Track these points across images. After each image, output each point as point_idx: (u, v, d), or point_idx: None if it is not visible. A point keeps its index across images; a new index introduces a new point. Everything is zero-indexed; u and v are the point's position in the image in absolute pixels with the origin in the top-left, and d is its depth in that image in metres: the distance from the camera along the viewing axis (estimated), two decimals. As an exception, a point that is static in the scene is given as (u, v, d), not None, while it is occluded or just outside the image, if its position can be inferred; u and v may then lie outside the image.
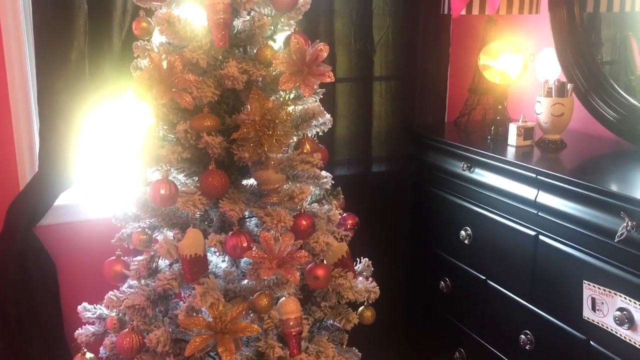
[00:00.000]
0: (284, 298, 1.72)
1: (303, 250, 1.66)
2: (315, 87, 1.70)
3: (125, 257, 1.89)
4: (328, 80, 1.67)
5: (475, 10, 2.46)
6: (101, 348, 1.91)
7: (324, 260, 1.83)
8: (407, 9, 2.74)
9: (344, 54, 2.70)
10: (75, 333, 1.90)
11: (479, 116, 2.76)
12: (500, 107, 2.57)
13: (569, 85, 2.29)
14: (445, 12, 2.60)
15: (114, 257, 1.89)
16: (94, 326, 1.90)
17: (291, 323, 1.70)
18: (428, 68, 2.85)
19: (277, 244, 1.64)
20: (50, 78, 2.21)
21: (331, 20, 2.60)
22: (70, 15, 2.17)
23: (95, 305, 1.93)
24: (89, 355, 1.88)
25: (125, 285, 1.85)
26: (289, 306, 1.70)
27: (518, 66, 2.50)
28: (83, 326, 1.92)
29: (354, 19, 2.65)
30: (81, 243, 2.45)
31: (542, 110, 2.30)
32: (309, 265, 1.77)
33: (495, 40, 2.60)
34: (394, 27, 2.75)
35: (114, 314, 1.81)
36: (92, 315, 1.90)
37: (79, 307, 1.95)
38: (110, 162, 2.35)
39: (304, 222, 1.71)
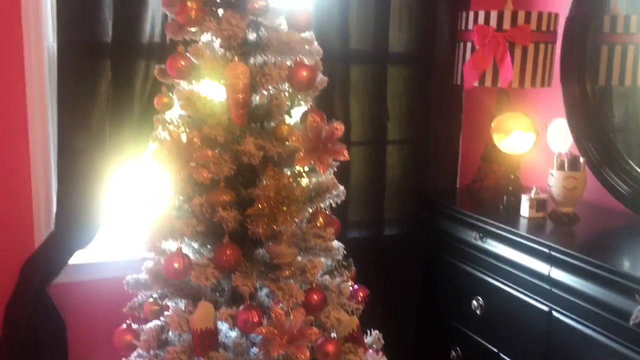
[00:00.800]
0: (293, 373, 1.71)
1: (314, 327, 1.66)
2: (330, 163, 1.72)
3: (136, 325, 1.89)
4: (343, 158, 1.70)
5: (488, 83, 2.51)
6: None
7: (334, 335, 1.82)
8: (420, 78, 2.79)
9: (359, 119, 2.73)
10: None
11: (492, 183, 2.77)
12: (512, 176, 2.59)
13: (582, 159, 2.31)
14: (458, 82, 2.66)
15: (124, 326, 1.89)
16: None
17: (300, 400, 1.67)
18: (440, 134, 2.88)
19: (288, 319, 1.64)
20: (71, 139, 2.27)
21: (347, 87, 2.65)
22: (94, 81, 2.25)
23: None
24: None
25: (135, 354, 1.84)
26: (298, 382, 1.68)
27: (529, 140, 2.52)
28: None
29: (369, 86, 2.70)
30: (93, 302, 2.45)
31: (554, 183, 2.31)
32: (320, 340, 1.76)
33: (507, 112, 2.64)
34: (407, 95, 2.79)
35: (122, 385, 1.80)
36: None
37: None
38: (126, 224, 2.37)
39: (315, 297, 1.72)
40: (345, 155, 1.70)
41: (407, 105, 2.82)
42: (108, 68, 2.26)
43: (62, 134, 2.27)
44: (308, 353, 1.63)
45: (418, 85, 2.81)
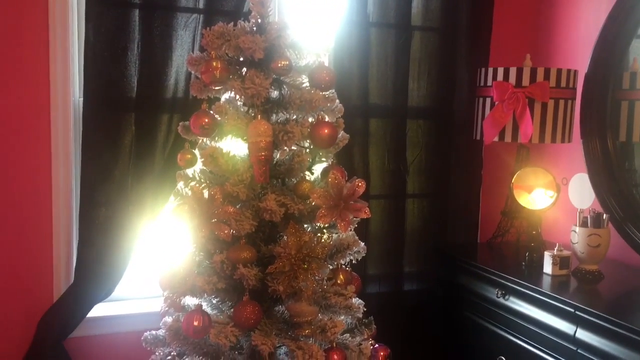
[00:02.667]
0: None
1: (335, 389, 1.62)
2: (351, 220, 1.72)
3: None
4: (364, 216, 1.70)
5: (508, 138, 2.51)
6: None
7: (355, 395, 1.78)
8: (440, 133, 2.81)
9: (378, 173, 2.74)
10: None
11: (513, 238, 2.74)
12: (534, 232, 2.56)
13: (605, 216, 2.28)
14: (478, 137, 2.66)
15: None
16: None
17: None
18: (460, 189, 2.86)
19: (308, 381, 1.61)
20: (94, 192, 2.29)
21: (366, 142, 2.67)
22: (118, 135, 2.29)
23: None
24: None
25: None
26: None
27: (551, 196, 2.50)
28: None
29: (388, 140, 2.71)
30: (111, 357, 2.43)
31: (578, 240, 2.28)
32: (340, 403, 1.72)
33: (528, 166, 2.62)
34: (426, 150, 2.80)
35: None
36: None
37: None
38: (146, 276, 2.37)
39: (335, 357, 1.68)
40: (366, 213, 1.70)
41: (426, 159, 2.83)
42: (132, 122, 2.31)
43: (85, 186, 2.30)
44: (329, 417, 1.59)
45: (437, 140, 2.82)
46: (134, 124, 2.32)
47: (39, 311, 2.32)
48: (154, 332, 1.90)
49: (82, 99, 2.28)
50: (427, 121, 2.80)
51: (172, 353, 1.82)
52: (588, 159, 2.56)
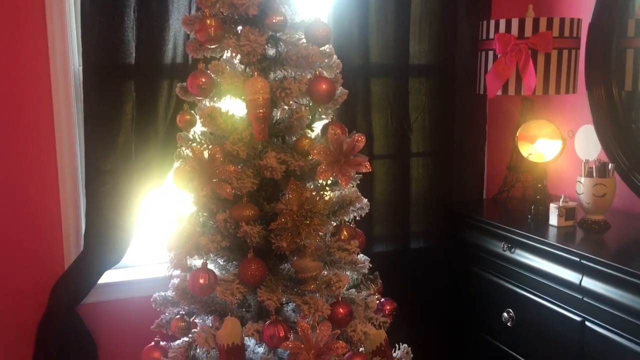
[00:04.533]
0: (321, 388, 1.69)
1: (341, 341, 1.64)
2: (352, 175, 1.72)
3: (164, 343, 1.90)
4: (365, 170, 1.70)
5: (512, 91, 2.48)
6: None
7: (362, 349, 1.80)
8: (442, 90, 2.78)
9: (381, 132, 2.72)
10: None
11: (519, 193, 2.73)
12: (540, 185, 2.55)
13: (610, 166, 2.26)
14: (481, 92, 2.63)
15: (152, 344, 1.90)
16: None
17: (329, 414, 1.66)
18: (465, 145, 2.84)
19: (315, 333, 1.63)
20: (98, 160, 2.31)
21: (368, 101, 2.65)
22: (119, 102, 2.29)
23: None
24: None
25: (163, 371, 1.85)
26: (327, 397, 1.67)
27: (556, 147, 2.49)
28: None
29: (391, 99, 2.69)
30: (122, 321, 2.47)
31: (583, 190, 2.27)
32: (347, 355, 1.74)
33: (533, 119, 2.60)
34: (430, 106, 2.78)
35: (151, 401, 1.81)
36: (129, 401, 1.89)
37: (117, 392, 1.95)
38: (153, 242, 2.39)
39: (341, 311, 1.70)
40: (367, 167, 1.70)
41: (430, 117, 2.80)
42: (132, 89, 2.30)
43: (89, 155, 2.31)
44: (335, 367, 1.61)
45: (440, 97, 2.79)
46: (134, 91, 2.31)
47: (51, 279, 2.36)
48: (162, 293, 1.93)
49: (81, 67, 2.27)
50: (430, 78, 2.77)
51: (181, 312, 1.85)
52: (593, 110, 2.54)
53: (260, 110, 1.62)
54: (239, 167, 1.68)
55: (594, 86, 2.53)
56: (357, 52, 2.59)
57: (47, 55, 2.28)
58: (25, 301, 2.36)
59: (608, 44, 2.48)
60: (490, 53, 2.54)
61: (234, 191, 1.65)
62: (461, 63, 2.76)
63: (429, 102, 2.78)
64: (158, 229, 2.30)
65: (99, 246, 2.33)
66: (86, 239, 2.35)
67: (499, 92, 2.51)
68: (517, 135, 2.58)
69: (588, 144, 2.56)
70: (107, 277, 2.44)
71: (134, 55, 2.29)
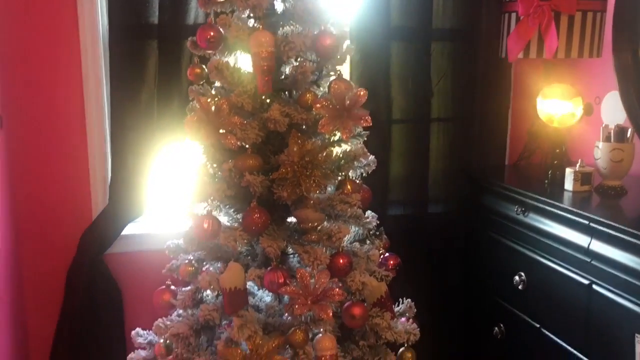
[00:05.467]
0: (320, 335, 1.76)
1: (337, 289, 1.70)
2: (355, 129, 1.75)
3: (175, 287, 2.00)
4: (365, 124, 1.73)
5: (533, 54, 2.45)
6: (152, 373, 2.01)
7: (364, 300, 1.86)
8: (465, 53, 2.75)
9: (401, 96, 2.72)
10: (127, 357, 2.02)
11: (538, 160, 2.71)
12: (558, 151, 2.52)
13: (629, 131, 2.22)
14: (503, 55, 2.60)
15: (163, 287, 2.00)
16: (145, 351, 2.01)
17: (326, 359, 1.72)
18: (488, 111, 2.81)
19: (313, 281, 1.69)
20: (122, 116, 2.40)
21: (388, 63, 2.65)
22: (142, 59, 2.38)
23: (147, 331, 2.04)
24: (139, 379, 1.99)
25: (175, 313, 1.95)
26: (324, 343, 1.73)
27: (577, 112, 2.45)
28: (135, 351, 2.03)
29: (411, 62, 2.69)
30: (146, 271, 2.59)
31: (600, 155, 2.24)
32: (346, 304, 1.80)
33: (555, 84, 2.56)
34: (452, 70, 2.76)
35: (161, 341, 1.91)
36: (143, 340, 2.01)
37: (132, 332, 2.07)
38: (173, 196, 2.49)
39: (341, 261, 1.75)
40: (367, 121, 1.73)
41: (452, 81, 2.78)
42: (155, 48, 2.38)
43: (114, 112, 2.42)
44: (331, 313, 1.67)
45: (463, 61, 2.76)
46: (157, 50, 2.39)
47: (80, 229, 2.49)
48: (175, 241, 2.03)
49: (108, 27, 2.36)
50: (452, 42, 2.74)
51: (190, 258, 1.94)
52: (619, 74, 2.47)
53: (264, 63, 1.66)
54: (246, 119, 1.74)
55: (619, 50, 2.46)
56: (378, 15, 2.58)
57: (75, 15, 2.37)
58: (56, 250, 2.50)
59: (636, 6, 2.41)
60: (513, 15, 2.51)
61: (238, 142, 1.71)
62: (485, 26, 2.72)
63: (451, 66, 2.76)
64: (177, 182, 2.39)
65: (123, 199, 2.44)
66: (111, 192, 2.46)
67: (520, 55, 2.48)
68: (537, 100, 2.54)
69: (615, 110, 2.51)
70: (132, 229, 2.57)
71: (157, 15, 2.36)
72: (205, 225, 1.70)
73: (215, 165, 1.81)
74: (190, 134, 1.72)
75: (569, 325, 2.12)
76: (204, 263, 1.91)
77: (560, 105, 2.47)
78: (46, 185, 2.47)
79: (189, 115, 1.76)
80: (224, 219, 1.87)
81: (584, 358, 2.05)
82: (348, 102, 1.71)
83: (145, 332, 2.04)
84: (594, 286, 2.00)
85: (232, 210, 1.86)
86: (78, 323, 2.49)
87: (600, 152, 2.24)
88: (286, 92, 1.84)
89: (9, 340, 2.27)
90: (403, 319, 2.00)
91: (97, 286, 2.50)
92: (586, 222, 2.01)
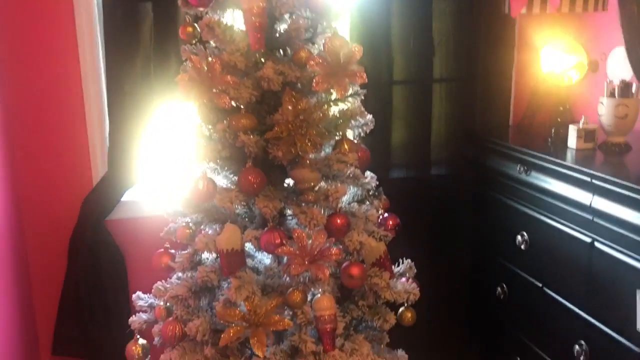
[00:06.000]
0: (318, 295, 1.75)
1: (334, 248, 1.69)
2: (351, 87, 1.72)
3: (174, 250, 2.00)
4: (360, 81, 1.69)
5: (536, 9, 2.39)
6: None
7: (363, 260, 1.85)
8: (469, 10, 2.68)
9: (402, 55, 2.66)
10: (129, 320, 2.03)
11: (542, 119, 2.66)
12: (561, 108, 2.47)
13: (635, 86, 2.17)
14: (507, 11, 2.54)
15: (162, 250, 2.00)
16: (146, 314, 2.03)
17: (325, 319, 1.72)
18: (491, 70, 2.75)
19: (310, 241, 1.68)
20: (119, 81, 2.37)
21: (389, 21, 2.59)
22: (137, 22, 2.33)
23: (149, 294, 2.05)
24: (141, 341, 2.00)
25: (174, 276, 1.95)
26: (323, 303, 1.73)
27: (581, 66, 2.39)
28: (137, 314, 2.05)
29: (413, 19, 2.62)
30: (148, 236, 2.58)
31: (604, 111, 2.20)
32: (344, 264, 1.79)
33: (560, 39, 2.50)
34: (455, 28, 2.69)
35: (162, 303, 1.92)
36: (144, 304, 2.02)
37: (134, 295, 2.08)
38: (170, 159, 2.47)
39: (338, 221, 1.74)
40: (362, 78, 1.69)
41: (454, 39, 2.72)
42: (150, 10, 2.34)
43: (110, 76, 2.38)
44: (327, 272, 1.67)
45: (466, 18, 2.69)
46: (152, 12, 2.35)
47: (81, 195, 2.49)
48: (173, 204, 2.01)
49: (102, -12, 2.32)
50: (454, -1, 2.68)
51: (187, 221, 1.93)
52: (625, 28, 2.40)
53: (256, 20, 1.62)
54: (239, 78, 1.70)
55: (626, 2, 2.39)
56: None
57: (68, -24, 2.33)
58: (58, 217, 2.50)
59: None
60: (516, -31, 2.44)
61: (232, 102, 1.68)
62: (487, -19, 2.65)
63: (454, 24, 2.69)
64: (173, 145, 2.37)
65: (122, 164, 2.43)
66: (110, 158, 2.45)
67: (523, 10, 2.42)
68: (541, 56, 2.49)
69: (621, 66, 2.45)
70: (133, 195, 2.57)
71: (151, -25, 2.32)
72: (201, 187, 1.68)
73: (210, 126, 1.78)
74: (182, 94, 1.69)
75: (571, 283, 2.11)
76: (202, 225, 1.90)
77: (565, 61, 2.41)
78: (46, 153, 2.46)
79: (181, 75, 1.73)
80: (222, 181, 1.86)
81: (585, 315, 2.04)
82: (343, 59, 1.67)
83: (146, 295, 2.05)
84: (596, 244, 1.98)
85: (228, 172, 1.84)
86: (83, 288, 2.51)
87: (604, 108, 2.19)
88: (280, 50, 1.80)
89: (15, 307, 2.29)
90: (403, 279, 1.99)
91: (100, 251, 2.51)
92: (588, 179, 1.98)
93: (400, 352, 2.13)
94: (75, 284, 2.51)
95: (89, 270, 2.50)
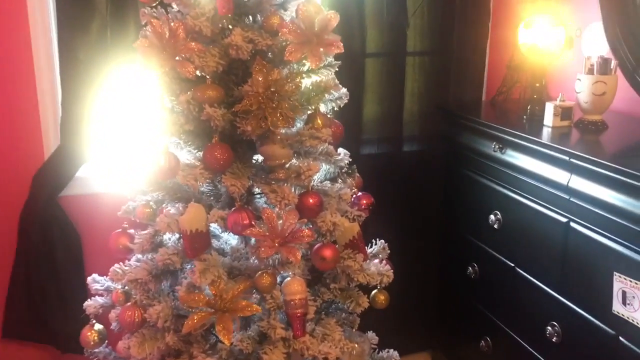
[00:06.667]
0: (289, 278, 1.66)
1: (306, 229, 1.59)
2: (325, 58, 1.61)
3: (133, 230, 1.87)
4: (336, 50, 1.58)
5: (514, -20, 2.30)
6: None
7: (336, 241, 1.76)
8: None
9: (375, 27, 2.58)
10: (84, 304, 1.90)
11: (517, 95, 2.60)
12: (538, 85, 2.41)
13: (613, 62, 2.12)
14: (483, -18, 2.45)
15: (119, 230, 1.87)
16: (102, 298, 1.90)
17: (295, 304, 1.63)
18: (466, 43, 2.70)
19: (281, 222, 1.58)
20: (73, 47, 2.21)
21: (361, -7, 2.48)
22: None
23: (105, 277, 1.92)
24: (97, 326, 1.88)
25: (134, 258, 1.83)
26: (293, 287, 1.64)
27: (559, 41, 2.33)
28: (92, 298, 1.92)
29: (386, -10, 2.52)
30: (106, 214, 2.44)
31: (582, 88, 2.14)
32: (316, 246, 1.70)
33: (537, 14, 2.43)
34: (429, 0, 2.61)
35: (119, 287, 1.79)
36: (100, 287, 1.89)
37: (89, 278, 1.95)
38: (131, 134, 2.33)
39: (310, 201, 1.64)
40: (339, 47, 1.58)
41: (429, 11, 2.65)
42: (105, -29, 2.16)
43: (63, 41, 2.21)
44: (299, 255, 1.57)
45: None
46: (107, -26, 2.18)
47: (32, 169, 2.34)
48: (132, 182, 1.88)
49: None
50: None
51: (148, 199, 1.80)
52: (602, 3, 2.35)
53: (224, -19, 1.49)
54: (204, 46, 1.57)
55: (604, -24, 2.33)
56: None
57: None
58: (7, 191, 2.34)
59: None
60: (495, -62, 2.34)
61: (197, 71, 1.55)
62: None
63: (427, -6, 2.60)
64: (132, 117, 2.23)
65: (76, 137, 2.28)
66: (62, 130, 2.29)
67: (501, -18, 2.33)
68: (518, 30, 2.41)
69: (596, 43, 2.39)
70: (90, 171, 2.42)
71: None
72: (162, 163, 1.55)
73: (172, 97, 1.64)
74: (142, 62, 1.54)
75: (545, 264, 2.07)
76: (163, 204, 1.77)
77: (543, 35, 2.33)
78: (-7, 123, 2.28)
79: (139, 40, 1.58)
80: (185, 156, 1.73)
81: (559, 297, 2.00)
82: (317, 26, 1.55)
83: (103, 278, 1.92)
84: (572, 224, 1.93)
85: (192, 147, 1.72)
86: (34, 268, 2.36)
87: (582, 85, 2.13)
88: (250, 16, 1.67)
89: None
90: (376, 260, 1.91)
91: (52, 230, 2.36)
92: (566, 157, 1.92)
93: (371, 334, 2.07)
94: (26, 264, 2.37)
95: (41, 249, 2.36)
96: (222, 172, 1.60)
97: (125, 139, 2.34)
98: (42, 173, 2.34)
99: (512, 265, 2.24)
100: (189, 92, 1.58)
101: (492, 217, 2.31)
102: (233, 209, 1.61)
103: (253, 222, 1.58)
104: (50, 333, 2.42)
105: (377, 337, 2.09)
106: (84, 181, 2.43)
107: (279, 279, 1.68)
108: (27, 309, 2.39)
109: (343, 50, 1.60)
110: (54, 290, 2.40)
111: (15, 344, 2.45)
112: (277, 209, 1.61)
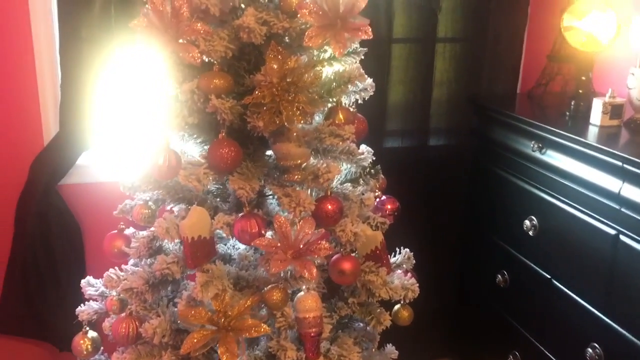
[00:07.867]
0: (302, 293, 1.47)
1: (324, 242, 1.40)
2: (350, 44, 1.41)
3: (132, 229, 1.70)
4: (364, 36, 1.38)
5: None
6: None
7: (355, 250, 1.56)
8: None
9: (404, 10, 2.40)
10: (76, 310, 1.73)
11: (558, 88, 2.38)
12: (584, 78, 2.18)
13: (674, 55, 1.88)
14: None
15: (115, 232, 1.69)
16: (97, 303, 1.73)
17: (308, 322, 1.45)
18: (501, 30, 2.51)
19: (294, 231, 1.39)
20: (74, 26, 2.04)
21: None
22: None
23: (100, 279, 1.74)
24: (91, 334, 1.71)
25: (131, 262, 1.65)
26: (307, 303, 1.45)
27: (610, 29, 2.09)
28: (86, 302, 1.75)
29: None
30: (110, 205, 2.28)
31: (635, 84, 1.92)
32: (334, 257, 1.51)
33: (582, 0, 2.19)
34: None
35: (114, 294, 1.62)
36: (94, 292, 1.72)
37: (82, 281, 1.78)
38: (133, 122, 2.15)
39: (329, 207, 1.44)
40: (367, 33, 1.37)
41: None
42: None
43: (63, 20, 2.04)
44: (314, 270, 1.38)
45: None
46: (113, -58, 1.98)
47: (30, 156, 2.19)
48: (130, 178, 1.69)
49: None
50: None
51: (146, 199, 1.62)
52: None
53: (235, -47, 1.29)
54: (212, 27, 1.37)
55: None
56: None
57: None
58: (4, 179, 2.20)
59: None
60: None
61: (203, 56, 1.35)
62: None
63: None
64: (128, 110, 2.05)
65: (76, 122, 2.12)
66: (62, 115, 2.13)
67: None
68: (562, 18, 2.17)
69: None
70: (92, 159, 2.27)
71: None
72: (160, 162, 1.36)
73: (177, 85, 1.45)
74: (140, 43, 1.35)
75: (588, 279, 1.86)
76: (164, 204, 1.59)
77: (591, 22, 2.10)
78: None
79: (138, 19, 1.38)
80: (194, 149, 1.54)
81: (602, 316, 1.80)
82: (343, 8, 1.35)
83: (97, 281, 1.74)
84: (622, 237, 1.73)
85: (198, 140, 1.52)
86: (32, 261, 2.22)
87: (636, 80, 1.92)
88: (265, -5, 1.46)
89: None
90: (399, 271, 1.72)
91: (51, 219, 2.21)
92: (619, 163, 1.71)
93: (390, 348, 1.87)
94: (22, 255, 2.21)
95: (39, 239, 2.21)
96: (229, 172, 1.41)
97: (128, 126, 2.17)
98: (41, 160, 2.19)
99: (549, 277, 2.04)
100: (193, 81, 1.38)
101: (527, 222, 2.11)
102: (241, 214, 1.42)
103: (263, 231, 1.39)
104: (48, 330, 2.29)
105: (396, 352, 1.90)
106: (85, 169, 2.28)
107: (290, 292, 1.49)
108: (24, 304, 2.25)
109: (372, 36, 1.39)
110: (51, 283, 2.25)
111: (12, 340, 2.32)
112: (290, 215, 1.42)
